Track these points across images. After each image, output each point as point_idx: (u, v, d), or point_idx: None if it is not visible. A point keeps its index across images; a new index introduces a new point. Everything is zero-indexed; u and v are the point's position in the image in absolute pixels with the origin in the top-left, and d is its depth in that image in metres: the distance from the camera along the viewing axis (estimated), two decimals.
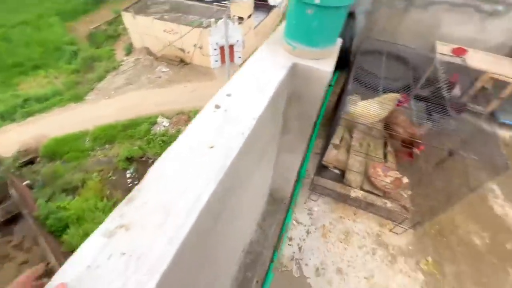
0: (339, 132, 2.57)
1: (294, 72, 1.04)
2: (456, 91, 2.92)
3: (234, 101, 0.83)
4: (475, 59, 2.84)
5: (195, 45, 13.84)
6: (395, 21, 3.38)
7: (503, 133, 2.91)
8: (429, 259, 1.87)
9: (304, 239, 1.92)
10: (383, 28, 3.51)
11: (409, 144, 2.23)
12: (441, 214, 2.15)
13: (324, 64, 1.04)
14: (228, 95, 0.84)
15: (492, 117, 2.98)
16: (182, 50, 14.95)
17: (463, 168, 2.49)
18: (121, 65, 15.35)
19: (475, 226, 2.08)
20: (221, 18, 12.06)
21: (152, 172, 0.64)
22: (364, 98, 2.36)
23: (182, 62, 15.13)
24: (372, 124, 2.31)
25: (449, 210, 2.18)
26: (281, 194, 1.93)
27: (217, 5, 15.63)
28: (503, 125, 2.95)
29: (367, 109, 2.18)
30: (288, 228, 1.95)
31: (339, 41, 1.17)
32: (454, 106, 2.59)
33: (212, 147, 0.69)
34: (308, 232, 1.95)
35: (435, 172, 2.37)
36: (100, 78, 14.30)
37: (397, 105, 2.24)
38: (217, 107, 0.78)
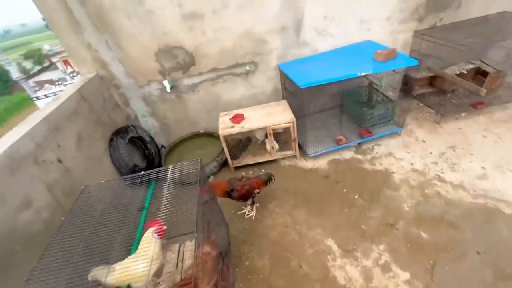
0: None
1: None
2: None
3: None
4: (252, 120, 2.83)
5: None
6: (180, 109, 3.24)
7: (320, 163, 2.90)
8: None
9: None
10: (177, 119, 3.33)
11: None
12: None
13: None
14: None
15: (305, 154, 2.97)
16: None
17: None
18: None
19: None
20: None
21: None
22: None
23: None
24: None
25: None
26: None
27: None
28: (316, 157, 2.96)
29: (131, 270, 1.59)
30: None
31: None
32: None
33: None
34: None
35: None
36: None
37: (160, 235, 1.73)
38: None
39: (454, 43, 2.72)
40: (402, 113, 3.05)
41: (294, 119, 2.68)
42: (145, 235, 1.66)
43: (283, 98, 3.30)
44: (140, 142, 3.14)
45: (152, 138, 3.27)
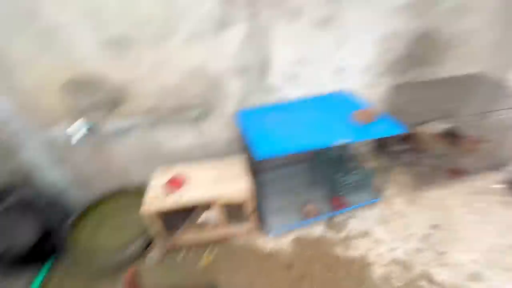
0: None
1: None
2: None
3: None
4: (197, 184, 2.10)
5: None
6: (102, 160, 2.40)
7: (283, 242, 2.26)
8: None
9: None
10: (98, 170, 2.46)
11: None
12: None
13: None
14: None
15: (264, 229, 2.32)
16: None
17: None
18: None
19: None
20: None
21: None
22: None
23: None
24: None
25: None
26: None
27: None
28: (276, 237, 2.31)
29: None
30: None
31: None
32: None
33: None
34: None
35: None
36: None
37: None
38: None
39: (429, 101, 2.40)
40: (378, 176, 2.62)
41: (252, 187, 2.03)
42: None
43: (243, 149, 2.67)
44: (27, 209, 2.20)
45: (53, 199, 2.35)
